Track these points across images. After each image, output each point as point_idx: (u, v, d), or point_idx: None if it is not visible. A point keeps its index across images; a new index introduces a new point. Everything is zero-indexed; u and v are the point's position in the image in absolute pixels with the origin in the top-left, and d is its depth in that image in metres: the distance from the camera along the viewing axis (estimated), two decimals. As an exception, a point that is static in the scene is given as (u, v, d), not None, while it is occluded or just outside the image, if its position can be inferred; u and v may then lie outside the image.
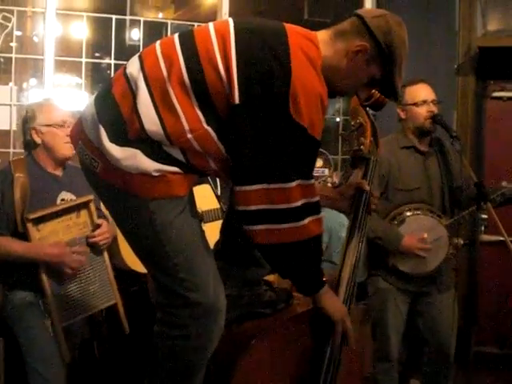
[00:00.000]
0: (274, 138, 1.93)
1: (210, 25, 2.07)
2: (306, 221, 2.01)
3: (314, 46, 2.03)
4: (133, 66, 2.04)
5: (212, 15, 5.10)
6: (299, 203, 1.98)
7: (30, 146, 3.16)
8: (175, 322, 2.03)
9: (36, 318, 2.95)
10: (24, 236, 2.91)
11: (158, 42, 2.09)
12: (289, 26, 2.07)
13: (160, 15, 5.53)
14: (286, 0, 6.00)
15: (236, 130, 1.94)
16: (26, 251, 2.89)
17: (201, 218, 3.60)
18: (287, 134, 1.93)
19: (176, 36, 2.07)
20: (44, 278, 2.89)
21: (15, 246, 2.91)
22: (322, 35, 2.10)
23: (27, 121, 3.12)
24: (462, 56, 4.93)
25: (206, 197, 3.48)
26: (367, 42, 2.05)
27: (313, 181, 2.04)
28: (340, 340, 2.23)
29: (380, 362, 3.48)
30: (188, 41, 2.02)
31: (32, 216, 2.87)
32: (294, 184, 1.97)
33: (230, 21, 2.07)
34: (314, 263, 2.11)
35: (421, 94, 3.43)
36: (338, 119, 5.61)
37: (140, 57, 2.06)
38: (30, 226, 2.87)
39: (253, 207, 1.96)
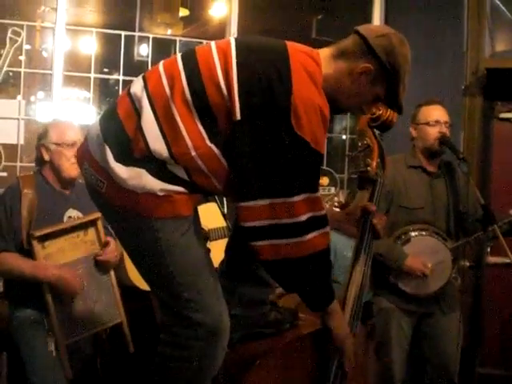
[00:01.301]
0: (276, 152, 1.92)
1: (212, 43, 2.09)
2: (311, 235, 1.99)
3: (315, 63, 2.04)
4: (137, 86, 2.06)
5: (220, 32, 5.12)
6: (304, 217, 1.97)
7: (40, 162, 3.18)
8: (178, 343, 2.03)
9: (39, 336, 2.95)
10: (30, 253, 2.91)
11: (161, 62, 2.11)
12: (290, 44, 2.08)
13: (169, 32, 5.55)
14: (294, 19, 6.03)
15: (237, 145, 1.94)
16: (30, 270, 2.88)
17: (207, 236, 3.60)
18: (290, 149, 1.92)
19: (178, 55, 2.09)
20: (48, 296, 2.89)
21: (20, 264, 2.91)
22: (324, 53, 2.11)
23: (40, 137, 3.15)
24: (470, 77, 4.93)
25: (212, 215, 3.49)
26: (371, 62, 2.05)
27: (319, 194, 2.03)
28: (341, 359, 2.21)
29: (384, 382, 3.46)
30: (190, 59, 2.04)
31: (38, 233, 2.87)
32: (298, 198, 1.95)
33: (232, 39, 2.09)
34: (321, 278, 2.08)
35: (434, 114, 3.44)
36: (344, 137, 5.62)
37: (144, 77, 2.08)
38: (35, 243, 2.87)
39: (257, 223, 1.95)
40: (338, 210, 3.82)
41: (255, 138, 1.92)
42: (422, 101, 3.59)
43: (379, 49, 2.04)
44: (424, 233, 3.37)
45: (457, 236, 3.47)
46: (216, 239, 3.67)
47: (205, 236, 3.55)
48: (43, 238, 2.91)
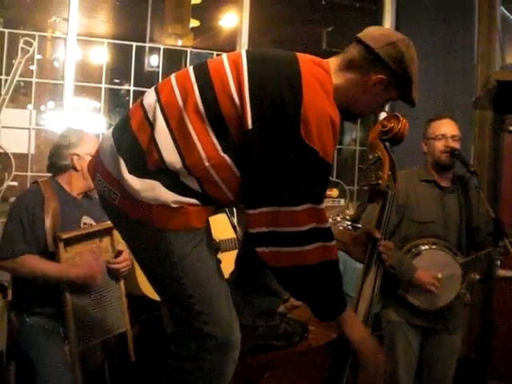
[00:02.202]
0: (284, 161, 1.93)
1: (224, 55, 2.11)
2: (313, 246, 1.98)
3: (325, 73, 2.05)
4: (149, 98, 2.07)
5: (231, 43, 5.14)
6: (306, 227, 1.96)
7: (59, 169, 3.19)
8: (189, 355, 2.03)
9: (54, 344, 2.97)
10: (50, 257, 2.95)
11: (173, 75, 2.12)
12: (300, 55, 2.10)
13: (179, 42, 5.58)
14: (305, 30, 6.05)
15: (247, 153, 1.95)
16: (54, 270, 2.91)
17: (218, 247, 3.60)
18: (299, 158, 1.93)
19: (190, 68, 2.11)
20: (67, 298, 2.92)
21: (43, 265, 2.93)
22: (333, 63, 2.12)
23: (71, 145, 3.16)
24: (480, 89, 4.93)
25: (222, 226, 3.49)
26: (383, 72, 2.07)
27: (323, 206, 2.02)
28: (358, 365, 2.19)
29: None
30: (202, 71, 2.06)
31: (64, 236, 2.92)
32: (302, 207, 1.95)
33: (243, 51, 2.11)
34: (328, 289, 2.06)
35: (441, 128, 3.45)
36: (354, 148, 5.62)
37: (156, 89, 2.09)
38: (61, 245, 2.92)
39: (262, 229, 1.96)
40: (344, 229, 3.79)
41: (264, 146, 1.93)
42: (433, 113, 3.60)
43: (389, 58, 2.06)
44: (434, 247, 3.37)
45: (468, 251, 3.46)
46: (227, 250, 3.67)
47: (216, 247, 3.55)
48: (67, 242, 2.96)
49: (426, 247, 3.36)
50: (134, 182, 1.97)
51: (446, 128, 3.45)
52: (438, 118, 3.52)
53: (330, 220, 3.70)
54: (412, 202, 3.43)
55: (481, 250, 3.41)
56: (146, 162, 1.97)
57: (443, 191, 3.47)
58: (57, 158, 3.18)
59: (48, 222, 2.97)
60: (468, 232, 3.46)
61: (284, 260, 1.98)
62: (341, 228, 3.85)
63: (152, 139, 1.98)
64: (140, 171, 1.97)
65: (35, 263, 2.94)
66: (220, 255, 3.60)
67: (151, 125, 2.00)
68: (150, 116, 2.02)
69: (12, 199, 4.87)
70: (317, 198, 2.00)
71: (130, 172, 1.98)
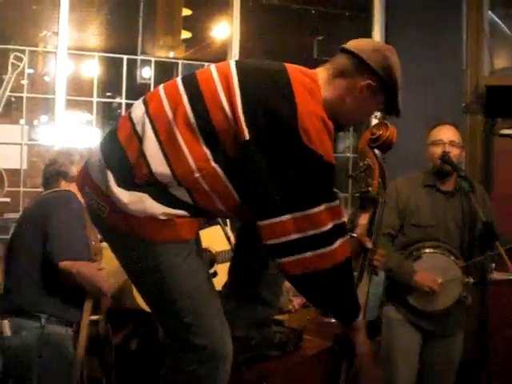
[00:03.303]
0: (291, 167, 1.93)
1: (212, 66, 2.11)
2: (338, 243, 1.98)
3: (314, 83, 2.07)
4: (137, 110, 2.07)
5: (223, 54, 5.16)
6: (329, 226, 1.97)
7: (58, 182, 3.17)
8: (181, 367, 2.03)
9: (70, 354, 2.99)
10: None
11: (161, 86, 2.13)
12: (288, 65, 2.11)
13: (171, 54, 5.59)
14: (296, 40, 6.07)
15: (249, 165, 1.94)
16: (104, 282, 2.97)
17: (214, 259, 3.60)
18: (304, 162, 1.94)
19: (179, 79, 2.12)
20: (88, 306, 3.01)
21: (99, 275, 2.98)
22: (321, 74, 2.14)
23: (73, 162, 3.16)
24: (470, 94, 4.95)
25: (218, 238, 3.49)
26: (370, 79, 2.10)
27: (338, 201, 2.03)
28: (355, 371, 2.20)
29: None
30: (191, 82, 2.06)
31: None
32: (319, 209, 1.95)
33: (231, 62, 2.11)
34: (350, 288, 2.08)
35: (438, 134, 3.48)
36: (348, 155, 5.63)
37: (144, 101, 2.09)
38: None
39: (283, 239, 1.94)
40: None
41: (267, 156, 1.93)
42: (423, 120, 3.63)
43: (376, 65, 2.09)
44: (435, 250, 3.39)
45: (470, 255, 3.47)
46: (223, 262, 3.67)
47: (212, 259, 3.55)
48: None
49: (427, 251, 3.39)
50: (122, 195, 1.97)
51: (443, 133, 3.47)
52: (438, 124, 3.54)
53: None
54: (413, 207, 3.46)
55: (483, 253, 3.42)
56: (135, 175, 1.97)
57: (445, 196, 3.49)
58: (64, 169, 3.15)
59: (89, 231, 2.99)
60: (470, 236, 3.47)
61: (310, 265, 1.96)
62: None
63: (140, 152, 1.98)
64: (128, 184, 1.97)
65: (97, 272, 2.97)
66: (217, 267, 3.60)
67: (139, 138, 2.00)
68: (139, 129, 2.02)
69: (7, 215, 4.89)
70: (330, 196, 2.00)
71: (119, 185, 1.98)
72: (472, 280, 3.44)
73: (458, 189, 3.50)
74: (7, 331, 2.90)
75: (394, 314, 3.47)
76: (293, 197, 1.94)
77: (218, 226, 3.46)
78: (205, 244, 3.50)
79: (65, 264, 2.86)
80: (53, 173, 3.18)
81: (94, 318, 3.17)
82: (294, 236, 1.94)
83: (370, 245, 2.37)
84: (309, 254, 1.95)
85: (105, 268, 3.07)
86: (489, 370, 4.50)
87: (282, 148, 1.93)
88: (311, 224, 1.94)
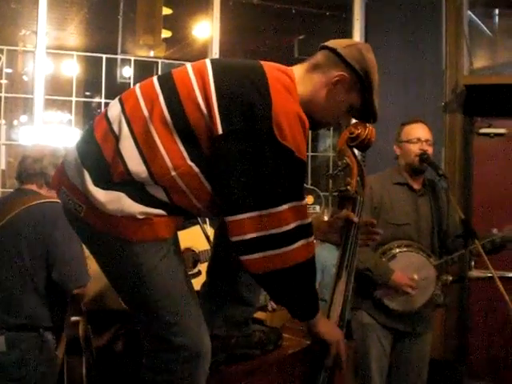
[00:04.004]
0: (261, 163, 1.93)
1: (188, 65, 2.11)
2: (299, 243, 1.98)
3: (290, 79, 2.07)
4: (114, 109, 2.06)
5: (203, 54, 5.16)
6: (291, 226, 1.97)
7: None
8: (160, 367, 2.02)
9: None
10: None
11: (137, 85, 2.12)
12: (264, 62, 2.12)
13: (151, 53, 5.57)
14: (276, 39, 6.08)
15: (221, 159, 1.94)
16: None
17: (197, 258, 3.60)
18: (275, 159, 1.93)
19: (155, 78, 2.11)
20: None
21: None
22: (297, 70, 2.14)
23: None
24: (450, 94, 4.99)
25: (201, 237, 3.49)
26: (344, 71, 2.10)
27: (304, 201, 2.03)
28: (332, 363, 2.18)
29: None
30: (167, 81, 2.05)
31: None
32: (285, 207, 1.95)
33: (207, 60, 2.11)
34: (310, 288, 2.08)
35: (415, 132, 3.49)
36: (329, 154, 5.65)
37: (120, 99, 2.08)
38: None
39: (247, 236, 1.94)
40: (318, 216, 3.82)
41: (238, 151, 1.93)
42: (403, 119, 3.64)
43: (350, 58, 2.10)
44: (409, 249, 3.40)
45: (440, 253, 3.50)
46: (207, 261, 3.67)
47: (195, 258, 3.55)
48: None
49: (401, 250, 3.39)
50: (99, 194, 1.95)
51: (420, 132, 3.49)
52: (412, 121, 3.56)
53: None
54: (387, 205, 3.46)
55: (453, 252, 3.45)
56: (111, 174, 1.96)
57: (416, 194, 3.51)
58: (49, 174, 3.00)
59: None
60: (439, 234, 3.50)
61: (272, 264, 1.96)
62: (314, 216, 3.88)
63: (117, 151, 1.97)
64: (105, 183, 1.96)
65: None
66: (200, 266, 3.59)
67: (116, 137, 1.99)
68: (115, 127, 2.01)
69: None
70: (298, 195, 2.00)
71: (95, 184, 1.97)
72: (451, 278, 3.46)
73: (427, 187, 3.53)
74: (2, 347, 2.85)
75: (367, 319, 3.46)
76: (259, 194, 1.94)
77: (197, 226, 3.46)
78: (188, 243, 3.52)
79: (78, 291, 2.92)
80: (38, 171, 3.04)
81: (74, 319, 3.18)
82: (256, 234, 1.94)
83: (356, 219, 2.38)
84: (270, 252, 1.96)
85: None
86: (469, 367, 4.55)
87: (254, 143, 1.93)
88: (274, 223, 1.95)
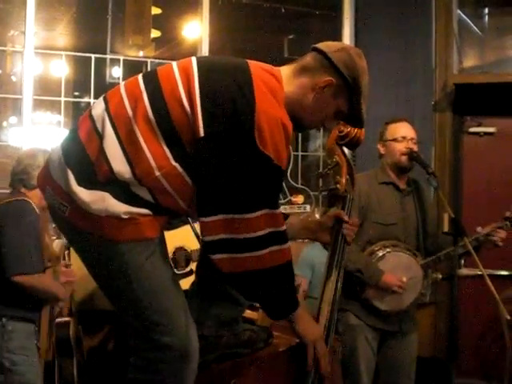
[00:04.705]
0: (238, 168, 1.93)
1: (174, 63, 2.10)
2: (267, 250, 1.99)
3: (276, 81, 2.06)
4: (98, 108, 2.05)
5: (192, 54, 5.11)
6: (263, 232, 1.97)
7: (27, 187, 3.26)
8: (147, 367, 2.01)
9: (34, 346, 3.20)
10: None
11: (122, 83, 2.11)
12: (251, 62, 2.10)
13: (141, 53, 5.56)
14: (266, 39, 6.07)
15: (200, 161, 1.94)
16: (61, 292, 3.19)
17: (189, 257, 3.59)
18: (252, 165, 1.93)
19: (140, 76, 2.10)
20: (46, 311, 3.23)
21: (55, 286, 3.18)
22: (285, 71, 2.13)
23: (38, 166, 3.17)
24: (439, 93, 5.00)
25: (192, 236, 3.49)
26: (333, 76, 2.08)
27: (278, 210, 2.03)
28: (312, 363, 2.19)
29: None
30: (152, 79, 2.04)
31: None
32: (257, 214, 1.95)
33: (193, 58, 2.10)
34: (281, 290, 2.07)
35: (401, 130, 3.49)
36: (319, 154, 5.65)
37: (105, 98, 2.07)
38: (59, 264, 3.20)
39: (217, 236, 1.95)
40: (307, 216, 3.82)
41: (217, 154, 1.93)
42: (392, 117, 3.64)
43: (340, 63, 2.08)
44: (397, 249, 3.40)
45: (426, 252, 3.51)
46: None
47: (187, 257, 3.55)
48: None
49: (389, 250, 3.39)
50: (84, 194, 1.95)
51: (406, 130, 3.50)
52: (396, 120, 3.56)
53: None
54: (374, 205, 3.45)
55: (439, 251, 3.45)
56: (95, 174, 1.96)
57: (401, 193, 3.52)
58: (26, 177, 3.23)
59: (45, 239, 3.12)
60: (424, 234, 3.51)
61: (240, 266, 1.98)
62: (304, 215, 3.87)
63: (101, 150, 1.96)
64: (89, 183, 1.96)
65: (49, 282, 3.15)
66: (192, 265, 3.58)
67: (100, 135, 1.98)
68: (99, 126, 2.00)
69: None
70: (272, 202, 2.01)
71: (79, 184, 1.96)
72: (440, 276, 3.47)
73: (412, 186, 3.54)
74: None
75: (354, 320, 3.46)
76: (234, 198, 1.94)
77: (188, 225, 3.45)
78: (180, 243, 3.51)
79: (17, 278, 3.03)
80: (15, 178, 3.29)
81: (65, 319, 3.24)
82: (226, 236, 1.95)
83: (346, 217, 2.39)
84: (238, 255, 1.97)
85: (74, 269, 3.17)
86: (458, 364, 4.56)
87: (233, 146, 1.93)
88: (246, 228, 1.95)
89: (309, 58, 2.13)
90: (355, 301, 3.42)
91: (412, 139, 3.47)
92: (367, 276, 3.36)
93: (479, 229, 3.40)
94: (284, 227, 2.04)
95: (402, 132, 3.48)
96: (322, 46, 2.14)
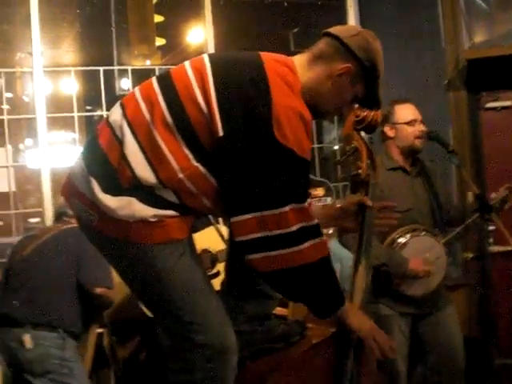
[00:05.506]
0: (262, 164, 1.91)
1: (186, 63, 2.08)
2: (307, 244, 1.96)
3: (291, 72, 2.03)
4: (115, 114, 2.04)
5: (199, 57, 5.12)
6: (295, 228, 1.94)
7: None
8: (186, 367, 2.01)
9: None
10: None
11: (137, 88, 2.10)
12: (264, 54, 2.07)
13: (147, 62, 5.57)
14: (271, 34, 6.06)
15: (223, 161, 1.93)
16: None
17: (215, 258, 3.60)
18: (275, 159, 1.91)
19: (154, 79, 2.09)
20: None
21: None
22: (299, 60, 2.10)
23: None
24: (452, 71, 4.93)
25: (216, 238, 3.49)
26: (350, 62, 2.04)
27: (306, 204, 2.00)
28: (377, 355, 2.16)
29: None
30: (166, 81, 2.03)
31: None
32: (286, 209, 1.93)
33: (206, 56, 2.08)
34: (323, 286, 2.04)
35: (411, 113, 3.43)
36: (335, 147, 5.62)
37: (121, 104, 2.07)
38: None
39: (249, 236, 1.93)
40: (328, 205, 3.78)
41: (239, 152, 1.91)
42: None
43: (357, 48, 2.04)
44: (416, 233, 3.35)
45: (444, 231, 3.47)
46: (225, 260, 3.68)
47: (213, 259, 3.55)
48: None
49: (409, 236, 3.33)
50: (109, 201, 1.94)
51: (415, 112, 3.43)
52: (401, 101, 3.47)
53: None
54: (387, 193, 3.37)
55: (455, 225, 3.42)
56: (119, 180, 1.95)
57: (410, 176, 3.46)
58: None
59: None
60: (440, 210, 3.46)
61: (277, 264, 1.95)
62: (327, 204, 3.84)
63: (122, 156, 1.96)
64: (114, 190, 1.95)
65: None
66: (219, 266, 3.59)
67: (120, 142, 1.98)
68: (118, 133, 1.99)
69: (1, 240, 4.90)
70: (300, 196, 1.98)
71: (104, 191, 1.95)
72: (471, 255, 3.42)
73: (417, 166, 3.48)
74: (29, 344, 3.21)
75: (386, 311, 3.39)
76: (261, 195, 1.92)
77: (213, 227, 3.45)
78: (204, 245, 3.52)
79: (99, 290, 3.31)
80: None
81: (98, 331, 3.32)
82: (259, 234, 1.93)
83: (369, 202, 2.35)
84: (274, 252, 1.94)
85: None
86: (498, 345, 4.49)
87: (254, 144, 1.91)
88: (277, 224, 1.93)
89: (322, 45, 2.10)
90: (384, 292, 3.37)
91: (421, 120, 3.42)
92: (393, 268, 3.30)
93: (493, 195, 3.35)
94: (316, 221, 2.01)
95: (413, 114, 3.42)
96: (335, 31, 2.10)
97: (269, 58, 2.06)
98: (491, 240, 3.82)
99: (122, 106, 2.05)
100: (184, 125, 1.94)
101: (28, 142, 7.13)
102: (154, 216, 1.94)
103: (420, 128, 3.39)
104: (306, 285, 2.01)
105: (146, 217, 1.93)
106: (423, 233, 3.36)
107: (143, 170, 1.94)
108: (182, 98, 1.96)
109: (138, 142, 1.96)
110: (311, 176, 5.08)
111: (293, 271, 1.96)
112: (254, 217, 1.92)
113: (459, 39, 4.97)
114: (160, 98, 1.98)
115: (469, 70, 4.86)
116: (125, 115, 2.01)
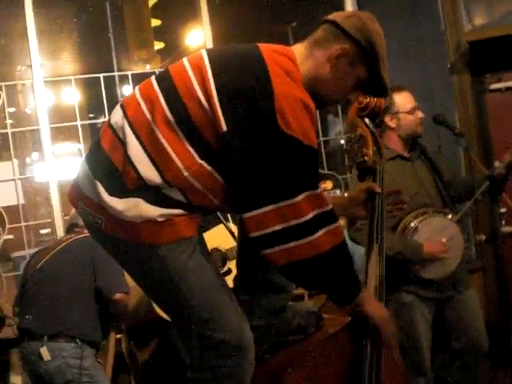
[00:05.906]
0: (269, 156, 1.89)
1: (185, 59, 2.06)
2: (321, 232, 1.94)
3: (291, 61, 2.01)
4: (116, 116, 2.03)
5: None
6: (310, 215, 1.92)
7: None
8: (204, 365, 1.99)
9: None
10: None
11: (136, 88, 2.09)
12: (262, 45, 2.05)
13: (147, 67, 5.56)
14: (269, 30, 6.05)
15: (229, 157, 1.91)
16: None
17: (226, 256, 3.59)
18: (282, 150, 1.89)
19: (153, 78, 2.07)
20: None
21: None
22: (298, 49, 2.08)
23: None
24: (454, 54, 4.90)
25: (225, 235, 3.48)
26: (346, 43, 2.02)
27: (320, 190, 1.98)
28: (387, 344, 2.16)
29: (416, 376, 3.37)
30: (165, 79, 2.02)
31: None
32: (300, 197, 1.91)
33: (204, 52, 2.06)
34: (341, 273, 2.02)
35: (410, 101, 3.45)
36: (342, 141, 5.60)
37: (122, 105, 2.05)
38: None
39: (268, 230, 1.91)
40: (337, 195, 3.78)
41: (246, 146, 1.89)
42: (410, 88, 3.56)
43: (352, 28, 2.02)
44: (426, 215, 3.33)
45: (460, 200, 3.49)
46: (235, 258, 3.68)
47: (224, 257, 3.55)
48: None
49: (419, 220, 3.31)
50: (116, 204, 1.93)
51: (412, 99, 3.45)
52: (398, 89, 3.46)
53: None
54: (391, 184, 3.35)
55: (465, 200, 3.42)
56: (124, 182, 1.94)
57: (409, 162, 3.46)
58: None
59: None
60: (446, 187, 3.46)
61: (295, 255, 1.93)
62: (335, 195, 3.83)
63: (126, 158, 1.94)
64: (120, 192, 1.93)
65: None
66: (230, 263, 3.58)
67: (122, 143, 1.97)
68: (120, 134, 1.98)
69: (15, 254, 4.94)
70: (312, 184, 1.96)
71: (110, 194, 1.94)
72: (484, 237, 3.39)
73: (415, 151, 3.49)
74: (46, 356, 3.25)
75: (408, 298, 3.38)
76: (272, 187, 1.90)
77: (222, 225, 3.44)
78: (214, 244, 3.52)
79: (119, 296, 3.36)
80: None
81: (116, 336, 3.41)
82: (276, 227, 1.91)
83: (378, 189, 2.34)
84: (291, 244, 1.92)
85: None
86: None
87: (260, 136, 1.89)
88: (292, 214, 1.91)
89: (320, 31, 2.08)
90: (404, 280, 3.35)
91: (418, 107, 3.42)
92: (409, 254, 3.29)
93: (497, 163, 3.33)
94: (330, 206, 1.99)
95: (412, 102, 3.43)
96: (331, 16, 2.09)
97: (267, 48, 2.04)
98: (503, 222, 3.76)
99: (123, 108, 2.04)
100: (186, 123, 1.93)
101: (34, 155, 7.14)
102: (162, 215, 1.92)
103: (420, 115, 3.42)
104: (324, 273, 1.99)
105: (153, 217, 1.92)
106: (434, 214, 3.34)
107: (148, 171, 1.92)
108: (183, 95, 1.95)
109: (141, 143, 1.94)
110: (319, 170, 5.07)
111: (310, 261, 1.94)
112: (267, 210, 1.90)
113: (459, 22, 4.95)
114: (160, 97, 1.97)
115: (471, 52, 4.83)
116: (126, 116, 2.00)
